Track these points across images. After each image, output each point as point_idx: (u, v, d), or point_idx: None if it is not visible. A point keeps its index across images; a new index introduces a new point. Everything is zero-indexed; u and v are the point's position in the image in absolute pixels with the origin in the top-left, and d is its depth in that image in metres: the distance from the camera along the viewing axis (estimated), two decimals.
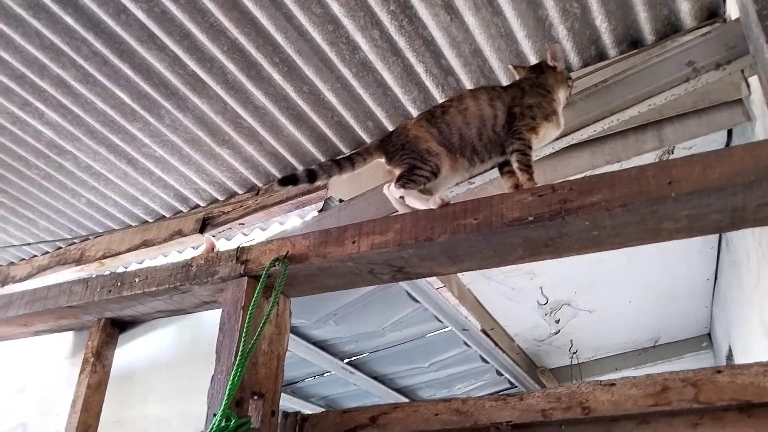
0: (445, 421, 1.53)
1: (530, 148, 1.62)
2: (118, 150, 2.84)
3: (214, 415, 1.50)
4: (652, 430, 1.36)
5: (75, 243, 3.46)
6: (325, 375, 4.02)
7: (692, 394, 1.32)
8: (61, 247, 3.50)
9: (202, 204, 3.09)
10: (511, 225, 1.48)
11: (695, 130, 2.08)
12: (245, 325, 1.61)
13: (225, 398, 1.50)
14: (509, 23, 2.19)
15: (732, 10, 1.98)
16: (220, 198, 3.03)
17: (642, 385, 1.38)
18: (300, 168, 2.85)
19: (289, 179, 1.76)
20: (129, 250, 3.24)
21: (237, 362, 1.54)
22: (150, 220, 3.26)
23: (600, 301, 4.03)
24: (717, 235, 3.33)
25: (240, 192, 2.99)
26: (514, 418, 1.44)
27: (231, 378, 1.52)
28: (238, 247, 1.79)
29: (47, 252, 3.57)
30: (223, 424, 1.50)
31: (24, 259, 3.64)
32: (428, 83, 2.41)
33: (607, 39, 2.21)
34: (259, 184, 2.94)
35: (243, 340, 1.59)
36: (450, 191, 1.97)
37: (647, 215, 1.41)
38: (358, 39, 2.26)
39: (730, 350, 3.71)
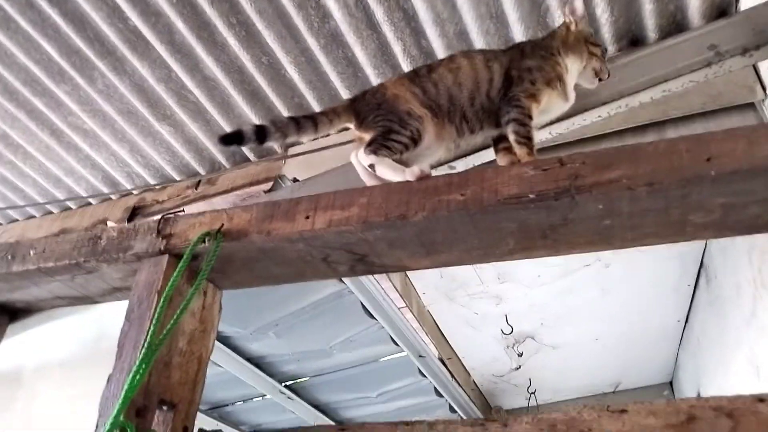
0: None
1: (530, 117, 1.34)
2: (41, 117, 2.45)
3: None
4: None
5: None
6: (258, 399, 3.58)
7: (728, 427, 1.02)
8: None
9: (134, 191, 2.71)
10: (506, 203, 1.18)
11: None
12: (157, 313, 1.25)
13: (120, 402, 1.13)
14: (502, 3, 1.94)
15: (746, 5, 1.79)
16: (156, 185, 2.65)
17: (662, 413, 1.07)
18: (252, 158, 2.52)
19: (234, 137, 1.42)
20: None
21: (141, 357, 1.18)
22: (73, 207, 2.85)
23: (565, 336, 3.76)
24: (696, 269, 3.14)
25: (179, 179, 2.61)
26: None
27: (130, 377, 1.15)
28: (162, 217, 1.43)
29: None
30: None
31: None
32: (405, 65, 2.13)
33: (606, 32, 1.98)
34: (202, 172, 2.57)
35: (152, 330, 1.22)
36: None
37: (675, 201, 1.14)
38: (330, 4, 1.97)
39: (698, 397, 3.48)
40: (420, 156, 1.41)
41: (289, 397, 3.57)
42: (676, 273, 3.16)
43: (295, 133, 1.43)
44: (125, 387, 1.14)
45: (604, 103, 1.57)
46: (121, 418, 1.12)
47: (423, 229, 1.27)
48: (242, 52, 2.13)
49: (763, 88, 1.77)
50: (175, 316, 1.25)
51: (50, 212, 2.91)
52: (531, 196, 1.17)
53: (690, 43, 1.58)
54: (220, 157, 2.52)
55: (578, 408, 1.15)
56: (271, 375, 3.36)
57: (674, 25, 1.96)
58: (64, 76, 2.29)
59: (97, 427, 1.22)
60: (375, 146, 1.34)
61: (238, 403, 3.68)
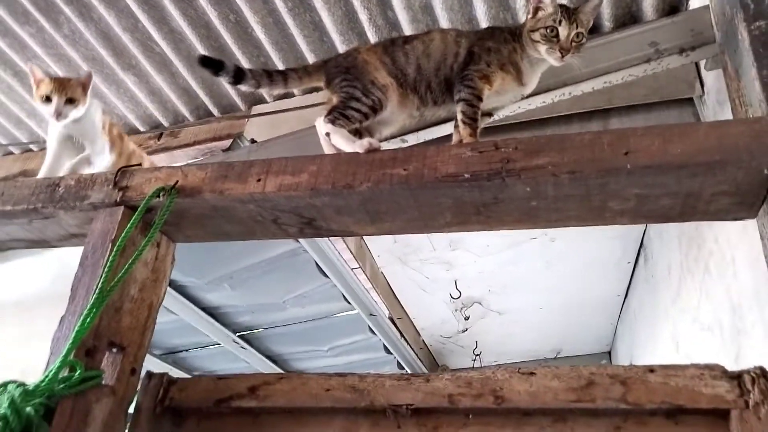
0: (336, 399, 1.30)
1: (480, 99, 1.41)
2: (4, 57, 2.44)
3: None
4: (570, 430, 1.19)
5: None
6: (212, 347, 3.69)
7: (620, 392, 1.16)
8: None
9: None
10: (444, 181, 1.28)
11: (642, 125, 1.96)
12: (110, 261, 1.32)
13: (70, 342, 1.21)
14: None
15: (695, 5, 1.89)
16: None
17: (565, 377, 1.21)
18: (216, 112, 2.55)
19: (214, 62, 1.53)
20: (4, 179, 2.82)
21: (92, 302, 1.25)
22: (35, 149, 2.84)
23: (511, 303, 3.94)
24: (636, 249, 3.31)
25: (142, 129, 2.64)
26: (417, 401, 1.24)
27: (81, 320, 1.23)
28: (119, 170, 1.49)
29: None
30: (65, 374, 1.21)
31: None
32: (370, 34, 2.18)
33: None
34: (165, 124, 2.60)
35: (104, 277, 1.30)
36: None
37: (595, 188, 1.25)
38: None
39: None
40: (383, 122, 1.50)
41: (242, 347, 3.68)
42: (618, 251, 3.33)
43: (267, 85, 1.56)
44: (76, 328, 1.22)
45: (548, 90, 1.66)
46: (71, 357, 1.21)
47: (368, 199, 1.36)
48: (210, 8, 2.15)
49: (702, 85, 1.89)
50: (127, 265, 1.33)
51: (11, 153, 2.90)
52: (466, 175, 1.27)
53: (633, 38, 1.67)
54: (184, 111, 2.54)
55: (492, 368, 1.28)
56: (225, 325, 3.46)
57: (629, 16, 2.05)
58: (28, 18, 2.27)
59: (48, 364, 1.30)
60: (334, 115, 1.42)
61: (192, 350, 3.78)
